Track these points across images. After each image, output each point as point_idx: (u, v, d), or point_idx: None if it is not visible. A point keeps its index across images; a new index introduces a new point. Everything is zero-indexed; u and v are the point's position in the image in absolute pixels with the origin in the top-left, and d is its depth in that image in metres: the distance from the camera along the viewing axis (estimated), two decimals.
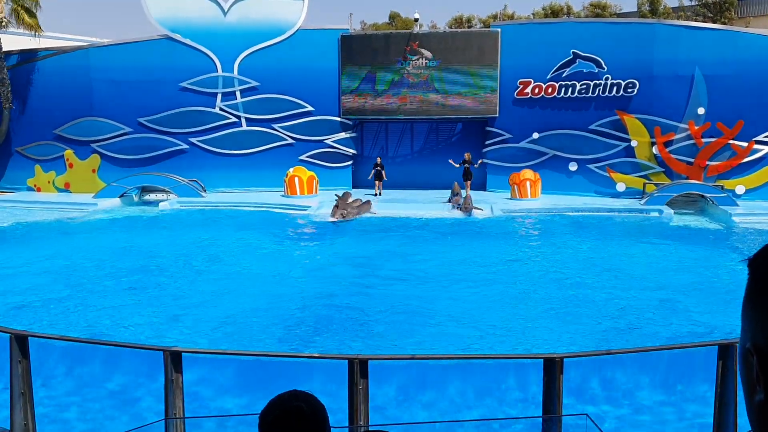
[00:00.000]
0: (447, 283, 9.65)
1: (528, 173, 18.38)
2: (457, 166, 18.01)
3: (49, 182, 19.94)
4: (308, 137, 20.07)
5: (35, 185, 20.04)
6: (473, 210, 15.68)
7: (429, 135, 20.99)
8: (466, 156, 17.92)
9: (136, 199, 18.57)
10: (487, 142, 20.00)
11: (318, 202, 17.59)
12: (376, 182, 19.18)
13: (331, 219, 15.08)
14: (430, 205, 16.86)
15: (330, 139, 20.28)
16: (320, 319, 8.02)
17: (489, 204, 16.97)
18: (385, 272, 10.34)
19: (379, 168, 18.93)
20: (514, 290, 9.31)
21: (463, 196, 16.62)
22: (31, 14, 19.31)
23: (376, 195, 18.70)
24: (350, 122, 20.23)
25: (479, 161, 18.30)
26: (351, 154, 20.48)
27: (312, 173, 19.07)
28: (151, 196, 18.63)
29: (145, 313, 8.27)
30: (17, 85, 19.37)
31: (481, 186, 19.71)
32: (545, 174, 18.88)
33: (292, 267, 11.00)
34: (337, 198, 16.71)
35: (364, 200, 16.35)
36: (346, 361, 3.61)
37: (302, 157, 20.12)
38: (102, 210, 17.13)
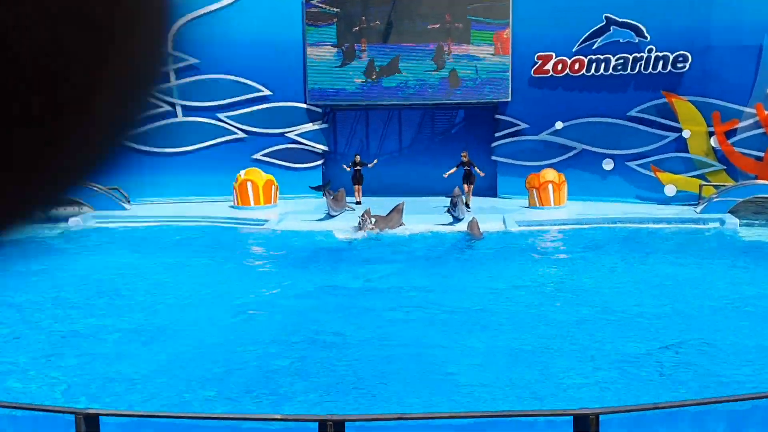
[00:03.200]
0: (448, 321, 9.72)
1: (550, 174, 18.49)
2: (454, 170, 18.19)
3: None
4: (265, 130, 20.30)
5: None
6: (462, 211, 16.19)
7: (422, 126, 21.26)
8: (464, 156, 18.09)
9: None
10: (497, 135, 20.14)
11: (278, 215, 17.62)
12: (355, 186, 19.37)
13: (358, 234, 15.32)
14: (424, 216, 17.00)
15: (293, 133, 20.49)
16: (284, 369, 8.09)
17: (500, 215, 17.10)
18: (369, 307, 10.42)
19: (357, 167, 19.13)
20: (535, 332, 9.30)
21: (461, 202, 16.83)
22: None
23: (356, 203, 18.94)
24: (319, 110, 20.50)
25: (481, 173, 18.22)
26: (321, 152, 20.74)
27: (270, 177, 19.18)
28: (58, 210, 18.44)
29: (44, 368, 8.21)
30: None
31: (489, 191, 19.95)
32: (572, 175, 19.01)
33: (246, 301, 11.06)
34: (328, 196, 16.81)
35: (396, 207, 16.32)
36: (317, 423, 3.62)
37: (257, 156, 20.32)
38: None
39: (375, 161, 19.48)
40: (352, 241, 15.35)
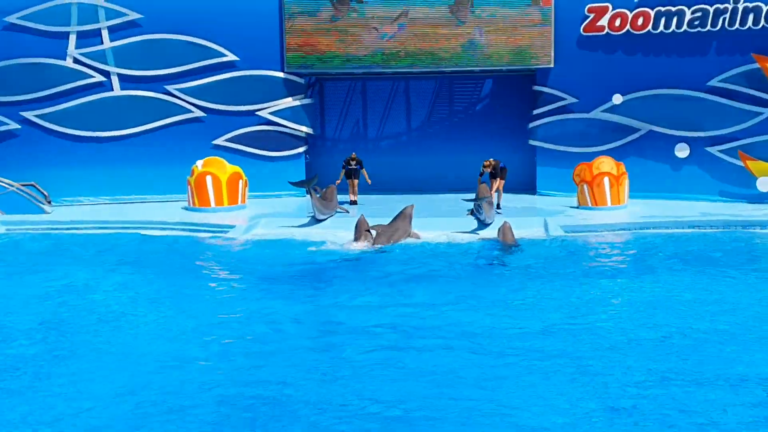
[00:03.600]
0: (475, 358, 9.35)
1: (606, 163, 18.06)
2: (480, 178, 18.08)
3: None
4: (229, 107, 20.31)
5: None
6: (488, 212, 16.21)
7: (437, 102, 21.20)
8: (486, 167, 17.94)
9: None
10: (535, 112, 20.03)
11: (247, 219, 17.49)
12: (350, 182, 19.46)
13: (355, 246, 15.37)
14: (440, 221, 16.96)
15: (267, 110, 20.42)
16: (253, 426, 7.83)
17: (540, 218, 16.92)
18: (374, 351, 9.75)
19: (352, 166, 19.30)
20: (626, 380, 8.66)
21: (489, 203, 16.62)
22: None
23: (351, 203, 19.11)
24: (301, 81, 20.59)
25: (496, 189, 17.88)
26: (304, 135, 20.72)
27: (236, 169, 18.90)
28: None
29: None
30: None
31: (526, 186, 20.05)
32: (635, 165, 18.78)
33: (205, 336, 10.49)
34: (314, 194, 16.80)
35: (402, 212, 16.40)
36: None
37: (219, 142, 20.34)
38: None
39: (368, 180, 19.40)
40: (348, 256, 15.16)
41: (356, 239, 15.49)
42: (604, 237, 16.30)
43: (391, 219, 16.18)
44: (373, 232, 15.62)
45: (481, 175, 18.09)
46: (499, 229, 15.45)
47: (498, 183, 17.96)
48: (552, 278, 13.10)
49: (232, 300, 12.56)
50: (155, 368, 9.32)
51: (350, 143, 20.73)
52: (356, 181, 19.31)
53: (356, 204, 18.98)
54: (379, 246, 15.37)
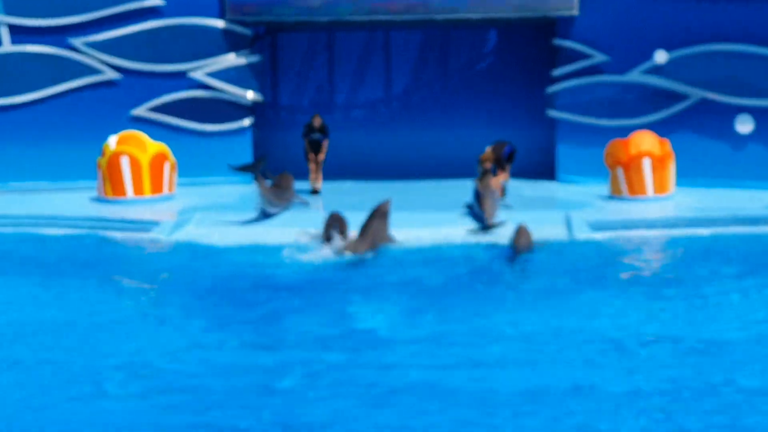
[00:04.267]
0: (490, 401, 9.10)
1: (646, 141, 18.08)
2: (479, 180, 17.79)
3: None
4: (152, 66, 20.36)
5: None
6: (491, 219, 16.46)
7: (426, 59, 21.43)
8: (484, 161, 18.18)
9: None
10: (554, 74, 19.99)
11: (176, 214, 17.42)
12: (312, 165, 19.42)
13: (324, 251, 15.36)
14: (429, 216, 17.10)
15: (202, 71, 20.40)
16: None
17: (561, 212, 16.90)
18: (352, 400, 9.42)
19: (316, 136, 19.27)
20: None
21: (489, 197, 16.96)
22: None
23: (312, 193, 19.21)
24: (247, 31, 20.63)
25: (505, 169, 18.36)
26: (250, 103, 20.81)
27: (161, 147, 18.85)
28: None
29: None
30: None
31: (543, 169, 20.33)
32: (683, 142, 18.80)
33: (107, 378, 10.05)
34: (261, 182, 16.95)
35: (375, 211, 16.43)
36: None
37: (139, 112, 20.37)
38: None
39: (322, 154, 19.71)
40: (312, 266, 14.95)
41: (328, 240, 15.51)
42: (644, 238, 16.23)
43: (364, 219, 16.19)
44: (345, 237, 15.69)
45: (483, 175, 17.85)
46: (516, 231, 15.36)
47: (503, 176, 18.17)
48: (575, 296, 12.91)
49: (152, 329, 12.09)
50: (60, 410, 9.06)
51: (310, 113, 20.35)
52: (321, 158, 19.31)
53: (319, 193, 19.12)
54: (358, 253, 15.37)
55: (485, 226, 16.32)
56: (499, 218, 16.33)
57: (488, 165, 17.95)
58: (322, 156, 19.38)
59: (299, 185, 18.53)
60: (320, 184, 19.33)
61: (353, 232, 15.78)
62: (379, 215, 16.12)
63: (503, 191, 18.08)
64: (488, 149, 18.36)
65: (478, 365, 10.08)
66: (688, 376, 9.62)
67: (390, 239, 15.94)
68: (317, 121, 19.24)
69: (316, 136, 19.28)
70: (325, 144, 19.41)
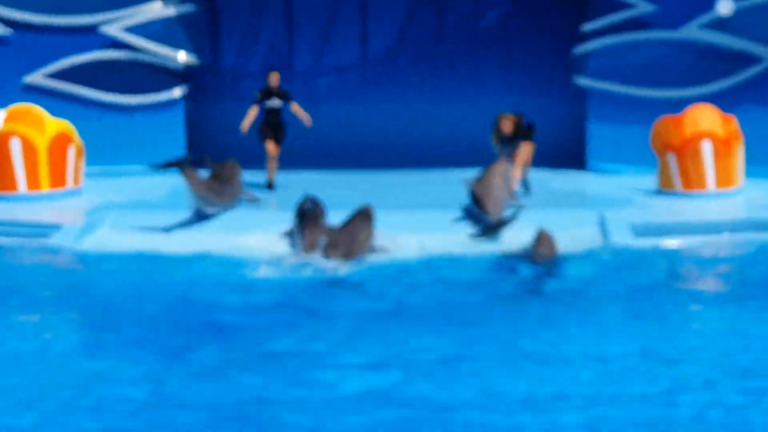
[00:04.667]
0: None
1: (707, 117, 17.82)
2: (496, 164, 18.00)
3: None
4: (52, 19, 20.26)
5: None
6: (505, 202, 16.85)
7: (414, 12, 21.62)
8: (504, 125, 18.27)
9: None
10: (584, 29, 20.01)
11: (83, 214, 17.24)
12: (269, 148, 19.14)
13: (290, 260, 15.58)
14: (423, 218, 16.89)
15: (117, 25, 20.38)
16: None
17: (594, 212, 16.74)
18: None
19: (274, 103, 19.09)
20: None
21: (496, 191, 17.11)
22: None
23: (268, 188, 19.22)
24: None
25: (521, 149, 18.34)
26: (181, 69, 20.89)
27: (64, 125, 18.63)
28: None
29: None
30: None
31: (570, 155, 20.53)
32: (755, 120, 18.66)
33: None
34: (191, 176, 16.74)
35: (360, 211, 16.62)
36: None
37: (35, 79, 20.34)
38: None
39: (305, 117, 19.48)
40: (269, 283, 14.84)
41: (304, 246, 15.48)
42: (705, 245, 15.87)
43: (343, 219, 16.21)
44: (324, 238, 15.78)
45: (502, 144, 17.96)
46: (536, 237, 15.23)
47: (525, 152, 17.89)
48: (613, 321, 12.58)
49: (52, 366, 11.37)
50: None
51: (263, 81, 20.06)
52: (277, 149, 18.98)
53: (273, 188, 18.87)
54: (332, 262, 15.28)
55: (490, 226, 16.19)
56: (508, 213, 16.23)
57: (509, 131, 17.85)
58: (281, 137, 19.17)
59: (251, 178, 18.54)
60: (274, 175, 19.09)
61: (327, 231, 15.83)
62: (362, 217, 16.19)
63: (525, 184, 18.04)
64: (507, 115, 18.19)
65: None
66: None
67: (373, 247, 15.89)
68: (274, 79, 18.74)
69: (274, 103, 18.82)
70: (295, 107, 18.94)
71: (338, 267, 15.37)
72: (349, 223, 16.18)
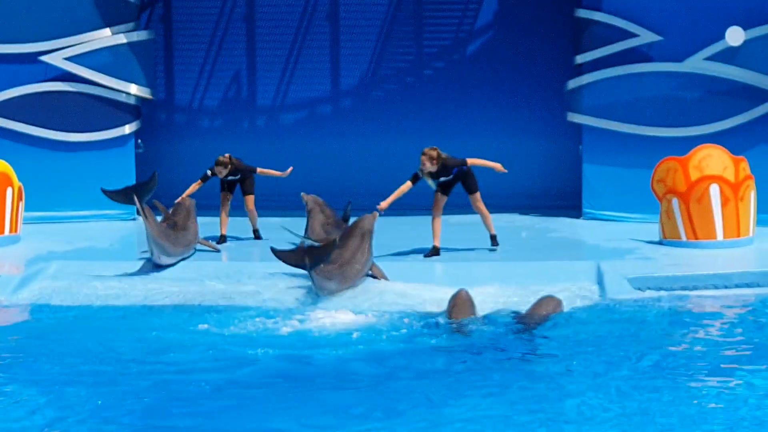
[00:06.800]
0: None
1: (715, 158, 17.45)
2: (403, 190, 17.31)
3: None
4: None
5: None
6: None
7: (391, 38, 21.70)
8: (427, 160, 17.08)
9: None
10: (579, 60, 19.79)
11: (22, 264, 16.87)
12: (224, 200, 18.52)
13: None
14: (393, 266, 16.12)
15: (63, 53, 20.00)
16: None
17: (591, 263, 16.21)
18: None
19: (227, 177, 18.46)
20: None
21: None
22: None
23: (219, 241, 18.35)
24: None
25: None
26: (133, 101, 20.54)
27: (2, 164, 18.40)
28: None
29: None
30: None
31: (565, 200, 20.54)
32: (766, 160, 18.33)
33: None
34: (145, 212, 16.19)
35: (356, 225, 16.51)
36: None
37: None
38: None
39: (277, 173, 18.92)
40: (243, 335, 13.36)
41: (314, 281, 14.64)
42: (714, 302, 15.01)
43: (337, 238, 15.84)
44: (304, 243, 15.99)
45: (415, 179, 16.89)
46: (451, 300, 14.09)
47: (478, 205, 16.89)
48: (610, 394, 10.49)
49: None
50: None
51: (223, 117, 20.68)
52: (228, 201, 18.31)
53: (225, 242, 18.16)
54: (318, 276, 14.53)
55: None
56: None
57: (429, 166, 16.49)
58: (250, 202, 18.26)
59: (205, 221, 17.87)
60: (225, 230, 18.18)
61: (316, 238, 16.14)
62: (357, 232, 15.91)
63: (493, 239, 16.91)
64: (425, 152, 16.84)
65: None
66: None
67: (376, 272, 15.61)
68: (225, 161, 17.78)
69: (231, 177, 18.20)
70: (266, 171, 18.22)
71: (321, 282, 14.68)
72: (342, 240, 15.71)
